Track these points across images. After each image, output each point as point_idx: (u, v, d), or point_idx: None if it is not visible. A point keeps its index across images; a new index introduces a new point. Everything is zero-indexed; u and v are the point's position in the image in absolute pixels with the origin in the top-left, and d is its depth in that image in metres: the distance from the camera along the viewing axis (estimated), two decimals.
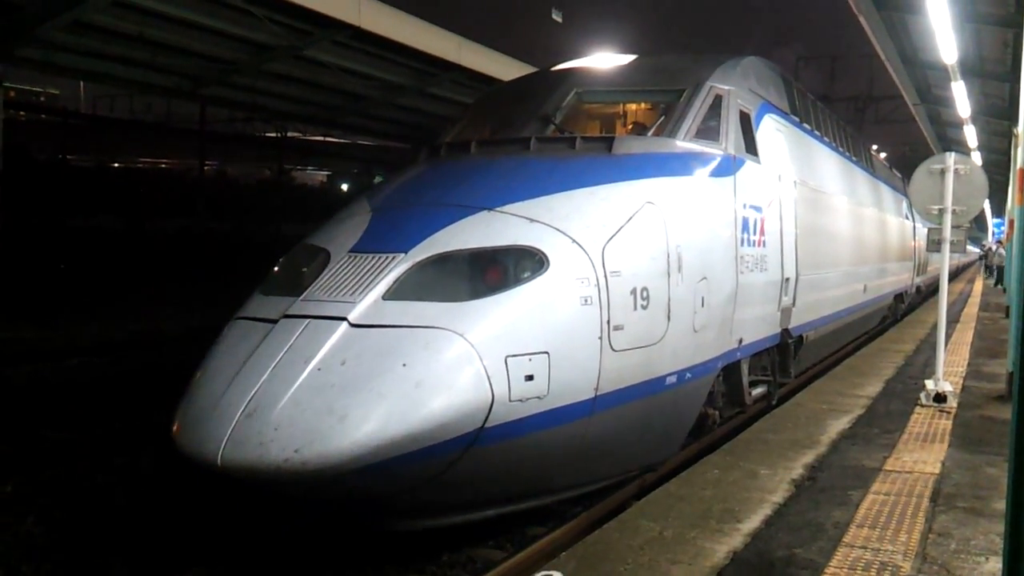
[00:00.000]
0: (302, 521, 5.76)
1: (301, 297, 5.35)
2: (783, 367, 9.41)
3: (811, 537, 4.72)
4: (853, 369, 11.26)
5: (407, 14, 18.22)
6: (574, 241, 5.54)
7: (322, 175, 45.96)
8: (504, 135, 7.30)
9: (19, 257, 18.74)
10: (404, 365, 4.70)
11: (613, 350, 5.50)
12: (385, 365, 4.70)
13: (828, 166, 11.93)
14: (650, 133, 7.28)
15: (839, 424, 7.65)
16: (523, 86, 8.62)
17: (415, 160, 7.52)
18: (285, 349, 4.92)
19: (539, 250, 5.43)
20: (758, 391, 8.63)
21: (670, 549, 4.50)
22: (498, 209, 5.73)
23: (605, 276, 5.52)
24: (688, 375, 6.47)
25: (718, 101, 7.65)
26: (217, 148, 34.55)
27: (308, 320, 5.09)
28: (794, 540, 4.67)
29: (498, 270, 5.37)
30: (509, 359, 4.92)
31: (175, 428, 4.96)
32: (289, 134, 38.26)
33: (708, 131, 7.41)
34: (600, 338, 5.41)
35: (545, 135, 7.13)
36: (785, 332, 9.12)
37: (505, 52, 20.67)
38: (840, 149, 13.25)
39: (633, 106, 8.65)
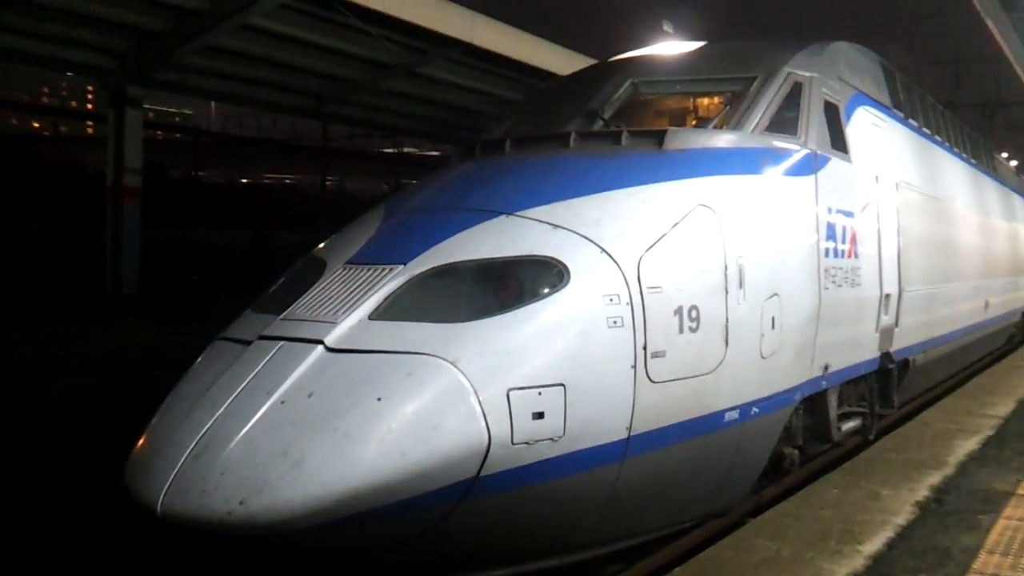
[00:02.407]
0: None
1: (281, 316, 4.68)
2: (884, 396, 8.25)
3: (937, 562, 4.55)
4: (982, 387, 10.73)
5: (518, 30, 18.50)
6: (603, 251, 4.75)
7: None
8: (545, 131, 6.51)
9: (156, 268, 19.85)
10: (379, 399, 3.96)
11: (651, 381, 4.67)
12: (356, 399, 3.98)
13: (941, 168, 10.81)
14: (712, 125, 6.34)
15: (967, 445, 7.31)
16: (577, 79, 7.75)
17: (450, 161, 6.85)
18: (250, 377, 4.24)
19: (559, 261, 4.65)
20: (850, 425, 7.50)
21: (787, 569, 4.41)
22: (518, 213, 4.99)
23: (641, 292, 4.70)
24: (754, 410, 5.52)
25: (797, 89, 6.67)
26: (338, 164, 35.75)
27: (281, 343, 4.41)
28: (919, 565, 4.51)
29: (506, 285, 4.63)
30: (512, 393, 4.13)
31: (126, 466, 4.28)
32: (405, 150, 39.22)
33: (784, 123, 6.43)
34: (633, 367, 4.59)
35: (588, 130, 6.29)
36: (886, 356, 7.96)
37: None
38: (956, 151, 12.12)
39: (705, 100, 7.47)
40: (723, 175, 5.68)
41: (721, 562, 4.53)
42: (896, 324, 8.11)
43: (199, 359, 4.82)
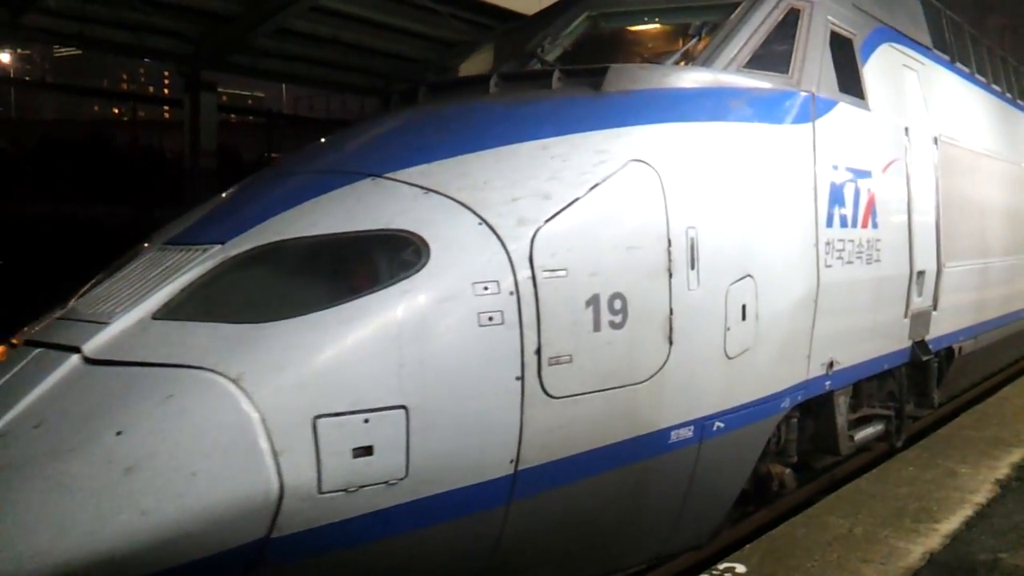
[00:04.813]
0: None
1: (59, 313, 3.68)
2: (922, 393, 7.15)
3: (1019, 541, 4.45)
4: None
5: None
6: (483, 221, 3.66)
7: None
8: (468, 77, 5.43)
9: None
10: (119, 434, 2.91)
11: (549, 396, 3.61)
12: (88, 433, 2.93)
13: (999, 123, 9.46)
14: (671, 61, 5.21)
15: None
16: (537, 17, 6.58)
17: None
18: None
19: (416, 236, 3.56)
20: (868, 432, 6.30)
21: (860, 547, 4.36)
22: (390, 175, 3.91)
23: (533, 278, 3.60)
24: (717, 424, 4.46)
25: (793, 17, 5.43)
26: None
27: (37, 350, 3.38)
28: (999, 544, 4.41)
29: (338, 271, 3.58)
30: (321, 421, 3.10)
31: None
32: None
33: (771, 59, 5.22)
34: (520, 379, 3.51)
35: (515, 71, 5.28)
36: (919, 346, 6.76)
37: None
38: (1020, 104, 10.80)
39: (686, 35, 5.96)
40: (674, 122, 4.51)
41: (793, 540, 4.50)
42: (934, 307, 6.96)
43: None
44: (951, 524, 4.69)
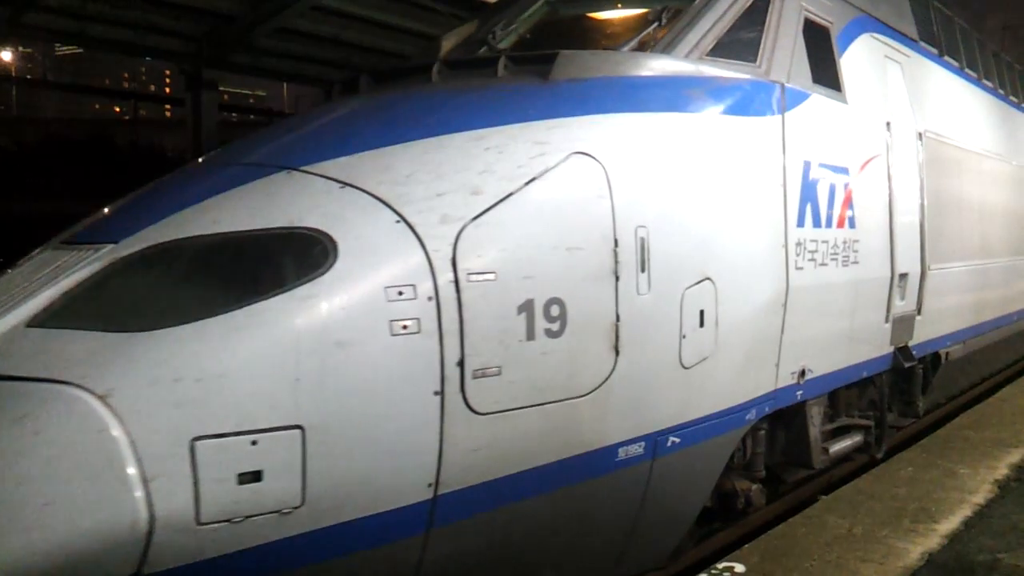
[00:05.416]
0: None
1: None
2: (907, 401, 6.91)
3: (1018, 542, 4.45)
4: None
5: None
6: (401, 219, 3.33)
7: None
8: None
9: None
10: None
11: (474, 412, 3.30)
12: None
13: (991, 120, 9.24)
14: (626, 48, 4.86)
15: None
16: (497, 4, 6.24)
17: None
18: None
19: (325, 235, 3.23)
20: (844, 444, 5.98)
21: (860, 547, 4.37)
22: (304, 168, 3.57)
23: (456, 281, 3.28)
24: (672, 440, 4.15)
25: (763, 3, 5.13)
26: None
27: None
28: (998, 544, 4.42)
29: (235, 274, 3.21)
30: (201, 444, 2.78)
31: None
32: None
33: (737, 47, 4.90)
34: (439, 393, 3.20)
35: (459, 58, 5.01)
36: (902, 351, 6.49)
37: None
38: (1013, 100, 10.54)
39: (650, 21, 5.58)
40: (625, 112, 4.18)
41: (792, 539, 4.51)
42: (918, 311, 6.67)
43: None
44: (950, 524, 4.70)
